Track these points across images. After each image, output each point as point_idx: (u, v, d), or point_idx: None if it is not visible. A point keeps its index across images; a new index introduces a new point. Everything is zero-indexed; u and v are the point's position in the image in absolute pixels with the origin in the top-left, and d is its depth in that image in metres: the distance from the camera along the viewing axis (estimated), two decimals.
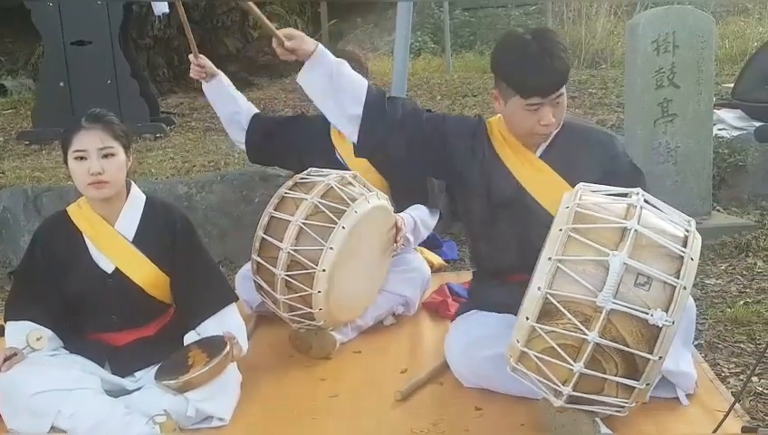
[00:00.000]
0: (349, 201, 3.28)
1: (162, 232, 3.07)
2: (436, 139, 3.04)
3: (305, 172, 3.48)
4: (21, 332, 2.96)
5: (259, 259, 3.34)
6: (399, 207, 3.72)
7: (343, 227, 3.21)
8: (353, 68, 3.66)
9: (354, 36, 12.30)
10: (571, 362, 2.38)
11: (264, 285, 3.39)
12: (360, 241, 3.33)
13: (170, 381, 2.81)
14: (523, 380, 2.59)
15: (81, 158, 2.93)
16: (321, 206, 3.27)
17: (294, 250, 3.23)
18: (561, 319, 2.38)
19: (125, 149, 2.99)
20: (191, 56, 3.77)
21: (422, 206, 3.86)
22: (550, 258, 2.40)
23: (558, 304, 2.37)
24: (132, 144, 3.08)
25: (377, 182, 3.69)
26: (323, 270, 3.20)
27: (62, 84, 6.67)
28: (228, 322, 3.09)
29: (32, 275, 3.08)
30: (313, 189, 3.32)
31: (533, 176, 2.99)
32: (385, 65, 10.20)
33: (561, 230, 2.43)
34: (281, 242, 3.24)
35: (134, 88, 6.75)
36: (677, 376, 2.77)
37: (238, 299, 3.26)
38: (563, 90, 2.88)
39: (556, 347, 2.39)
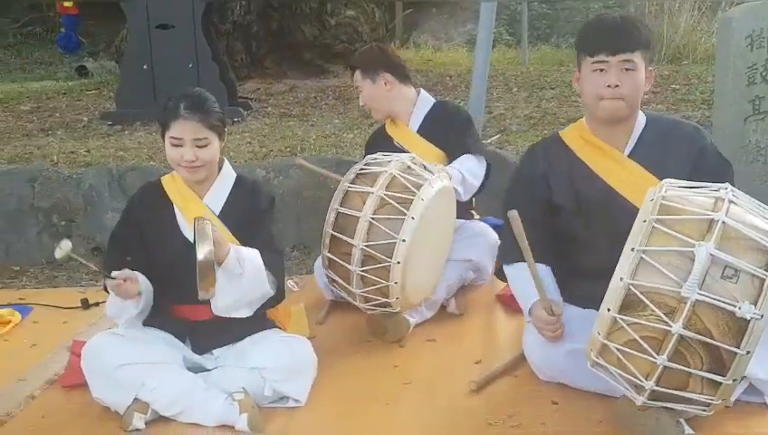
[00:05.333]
0: (414, 189, 3.28)
1: (246, 209, 3.12)
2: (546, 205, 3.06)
3: (363, 162, 3.50)
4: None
5: (331, 255, 3.36)
6: (452, 160, 3.86)
7: (413, 218, 3.22)
8: (401, 72, 3.98)
9: (428, 26, 12.28)
10: (654, 354, 2.33)
11: (338, 280, 3.41)
12: (429, 225, 3.34)
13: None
14: (604, 376, 2.54)
15: (177, 145, 3.00)
16: (387, 198, 3.27)
17: (367, 246, 3.25)
18: (644, 311, 2.34)
19: (219, 136, 3.05)
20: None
21: (469, 155, 3.89)
22: (633, 249, 2.36)
23: (641, 296, 2.33)
24: None
25: (432, 153, 3.86)
26: (398, 262, 3.22)
27: (145, 67, 6.80)
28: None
29: (125, 239, 3.15)
30: (377, 181, 3.32)
31: (622, 176, 2.94)
32: (459, 56, 10.16)
33: (644, 221, 2.40)
34: (352, 238, 3.25)
35: (214, 72, 6.83)
36: (766, 385, 2.70)
37: (284, 299, 3.24)
38: (635, 59, 2.84)
39: (639, 339, 2.35)
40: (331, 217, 3.34)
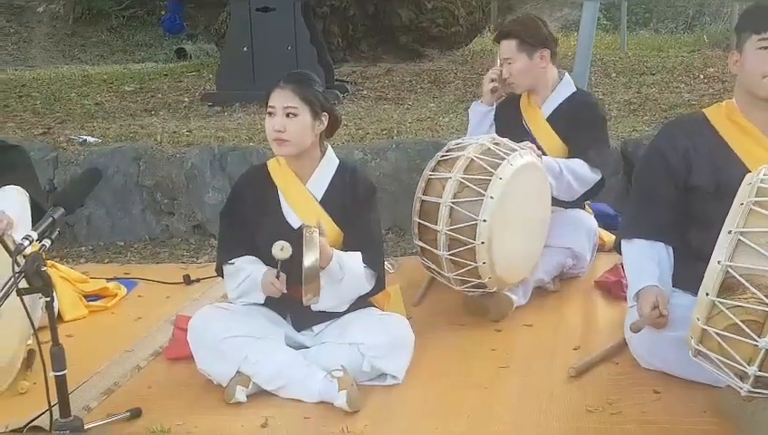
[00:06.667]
0: (491, 169, 3.30)
1: (347, 196, 3.15)
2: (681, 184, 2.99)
3: (445, 149, 3.53)
4: (239, 270, 3.11)
5: (421, 243, 3.46)
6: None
7: (491, 198, 3.26)
8: (554, 49, 3.90)
9: (524, 11, 12.13)
10: (756, 338, 2.27)
11: (432, 265, 3.50)
12: (512, 203, 3.35)
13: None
14: (707, 365, 2.48)
15: (271, 114, 3.06)
16: (465, 181, 3.31)
17: (450, 230, 3.30)
18: (744, 293, 2.28)
19: (313, 112, 3.06)
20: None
21: (583, 162, 3.79)
22: (730, 231, 2.32)
23: (740, 278, 2.28)
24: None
25: (556, 145, 3.79)
26: (482, 243, 3.26)
27: (245, 49, 6.90)
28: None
29: (234, 219, 3.22)
30: (455, 166, 3.36)
31: (765, 161, 2.80)
32: None
33: (742, 204, 2.35)
34: (436, 225, 3.33)
35: (312, 55, 6.89)
36: None
37: (384, 289, 3.28)
38: None
39: (739, 323, 2.29)
40: (416, 205, 3.44)
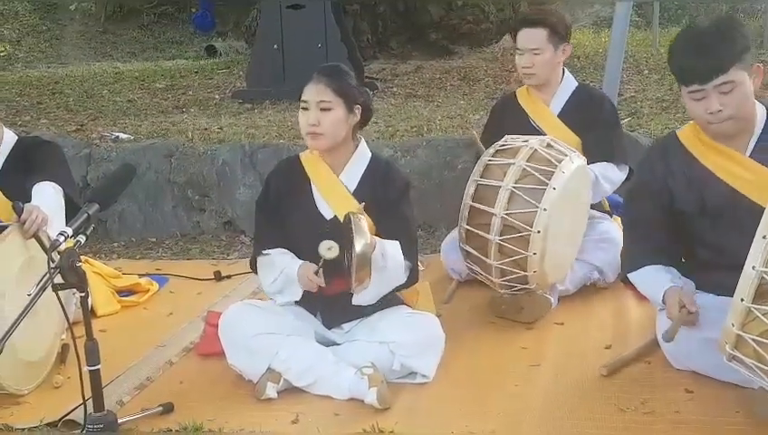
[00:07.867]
0: (555, 162, 3.31)
1: (378, 187, 3.14)
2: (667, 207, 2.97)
3: (503, 140, 3.51)
4: (273, 265, 3.11)
5: (469, 227, 3.40)
6: (590, 162, 3.70)
7: (554, 188, 3.24)
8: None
9: (555, 8, 12.05)
10: None
11: (475, 253, 3.43)
12: (567, 201, 3.35)
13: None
14: (742, 370, 2.46)
15: (305, 108, 3.06)
16: (529, 169, 3.30)
17: (507, 214, 3.27)
18: None
19: (347, 105, 3.06)
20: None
21: (611, 164, 3.80)
22: (765, 237, 2.29)
23: None
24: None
25: (570, 140, 3.72)
26: (538, 232, 3.24)
27: (275, 47, 6.90)
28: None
29: (267, 211, 3.22)
30: (518, 154, 3.36)
31: (745, 177, 2.81)
32: (584, 38, 9.95)
33: None
34: (492, 208, 3.28)
35: (342, 52, 6.87)
36: None
37: (417, 281, 3.24)
38: (731, 77, 2.65)
39: None
40: (470, 189, 3.39)
